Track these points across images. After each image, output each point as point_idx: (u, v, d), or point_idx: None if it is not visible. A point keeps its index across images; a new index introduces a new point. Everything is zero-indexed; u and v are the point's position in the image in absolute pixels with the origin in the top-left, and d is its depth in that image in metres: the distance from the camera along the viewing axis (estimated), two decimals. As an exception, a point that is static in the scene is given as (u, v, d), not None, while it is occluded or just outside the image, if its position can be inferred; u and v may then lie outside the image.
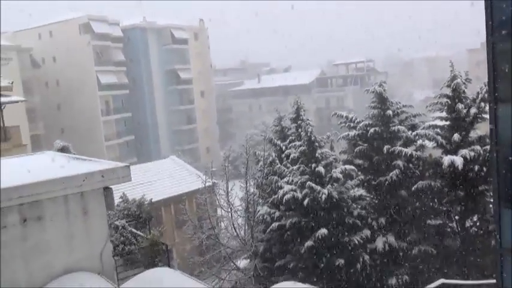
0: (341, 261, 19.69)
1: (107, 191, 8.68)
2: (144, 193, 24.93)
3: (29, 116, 49.67)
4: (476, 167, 20.38)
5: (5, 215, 7.61)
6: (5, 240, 7.67)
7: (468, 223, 21.61)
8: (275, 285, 8.34)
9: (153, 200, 26.06)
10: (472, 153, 20.18)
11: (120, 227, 17.31)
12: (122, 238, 16.61)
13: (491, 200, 20.94)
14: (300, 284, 8.06)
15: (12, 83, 33.29)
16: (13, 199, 7.63)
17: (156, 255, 15.71)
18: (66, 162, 10.64)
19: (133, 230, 18.06)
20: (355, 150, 22.84)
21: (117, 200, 18.17)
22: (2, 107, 31.38)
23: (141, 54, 68.76)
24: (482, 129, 21.36)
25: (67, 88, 62.13)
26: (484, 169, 20.44)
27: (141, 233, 18.31)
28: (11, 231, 7.69)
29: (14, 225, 7.72)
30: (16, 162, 11.26)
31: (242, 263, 25.51)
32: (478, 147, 20.40)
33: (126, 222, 18.69)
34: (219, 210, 29.52)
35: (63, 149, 26.62)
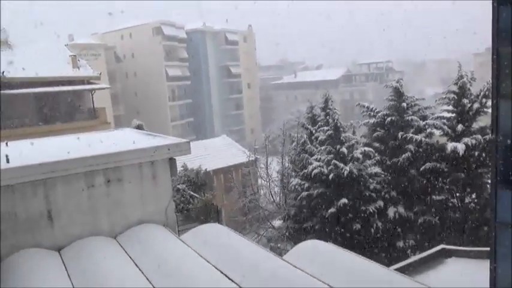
0: (358, 225, 19.53)
1: (172, 161, 8.79)
2: (200, 164, 25.35)
3: (113, 100, 51.10)
4: (476, 153, 19.67)
5: (94, 177, 7.89)
6: (95, 195, 7.97)
7: (467, 199, 20.96)
8: (303, 242, 8.33)
9: (207, 170, 26.49)
10: (474, 141, 19.48)
11: (181, 190, 17.71)
12: (182, 198, 16.99)
13: (489, 181, 20.18)
14: (323, 243, 8.01)
15: (100, 73, 34.28)
16: (100, 164, 7.88)
17: (209, 213, 15.97)
18: (140, 137, 10.86)
19: (191, 193, 18.42)
20: (374, 135, 22.43)
21: (179, 168, 18.57)
22: (93, 92, 32.39)
23: (201, 52, 69.13)
24: (483, 121, 20.52)
25: (142, 78, 63.33)
26: (483, 155, 19.68)
27: (197, 195, 18.65)
28: (98, 189, 7.95)
29: (100, 185, 7.96)
30: (102, 136, 11.58)
31: (277, 223, 25.70)
32: (479, 136, 19.64)
33: (186, 186, 19.10)
34: (259, 180, 29.75)
35: (138, 127, 27.29)
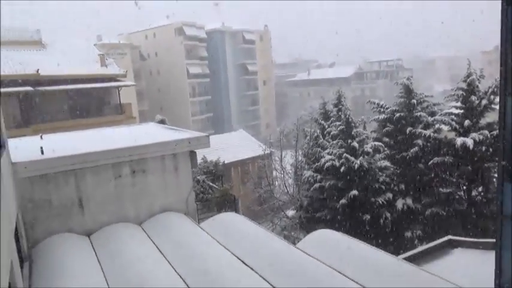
0: (367, 216, 19.39)
1: (192, 153, 8.88)
2: (219, 156, 25.49)
3: (138, 96, 51.43)
4: (484, 148, 19.26)
5: (120, 168, 8.02)
6: (121, 185, 8.10)
7: (474, 192, 20.55)
8: (315, 231, 8.33)
9: (225, 162, 26.60)
10: (481, 137, 19.06)
11: (201, 181, 17.86)
12: (201, 189, 17.15)
13: (495, 175, 19.76)
14: (334, 232, 8.00)
15: (126, 71, 34.67)
16: (126, 156, 8.00)
17: (226, 203, 16.09)
18: (163, 131, 10.98)
19: (210, 183, 18.57)
20: (384, 130, 22.15)
21: (199, 160, 18.70)
22: (119, 89, 32.81)
23: (220, 51, 69.13)
24: (490, 117, 20.02)
25: (165, 76, 63.78)
26: (490, 150, 19.26)
27: (215, 186, 18.80)
28: (125, 179, 8.09)
29: (126, 175, 8.10)
30: (128, 130, 11.74)
31: (290, 213, 25.71)
32: (486, 132, 19.21)
33: (205, 177, 19.25)
34: (274, 172, 29.76)
35: (161, 122, 27.55)
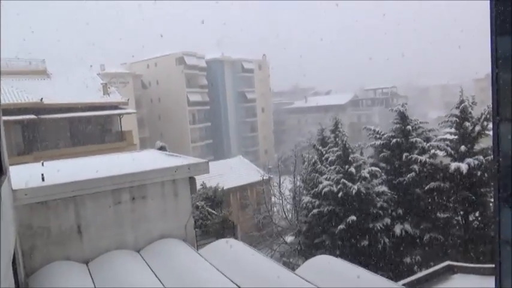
0: (366, 242, 19.14)
1: (192, 179, 8.80)
2: (218, 182, 25.32)
3: (139, 124, 51.68)
4: (479, 173, 19.24)
5: (120, 194, 7.94)
6: (121, 211, 7.99)
7: (471, 217, 20.38)
8: (314, 257, 8.18)
9: (224, 188, 26.39)
10: (476, 162, 19.09)
11: (200, 207, 17.67)
12: (201, 215, 16.94)
13: (491, 200, 19.67)
14: (333, 258, 7.84)
15: (128, 100, 34.96)
16: (126, 182, 7.93)
17: (225, 229, 15.87)
18: (163, 158, 10.95)
19: (209, 210, 18.36)
20: (380, 156, 22.20)
21: (198, 186, 18.54)
22: (121, 117, 32.97)
23: (219, 80, 70.05)
24: (484, 143, 20.13)
25: (165, 104, 64.29)
26: (486, 175, 19.24)
27: (214, 212, 18.59)
28: (124, 206, 7.98)
29: (126, 202, 8.00)
30: (128, 157, 11.70)
31: (289, 238, 25.36)
32: (481, 157, 19.25)
33: (204, 203, 19.06)
34: (272, 198, 29.55)
35: (161, 148, 27.57)
